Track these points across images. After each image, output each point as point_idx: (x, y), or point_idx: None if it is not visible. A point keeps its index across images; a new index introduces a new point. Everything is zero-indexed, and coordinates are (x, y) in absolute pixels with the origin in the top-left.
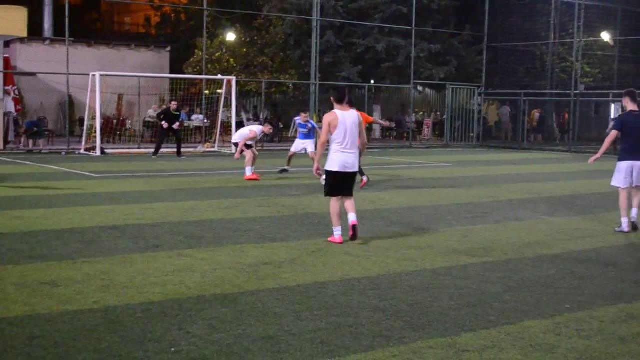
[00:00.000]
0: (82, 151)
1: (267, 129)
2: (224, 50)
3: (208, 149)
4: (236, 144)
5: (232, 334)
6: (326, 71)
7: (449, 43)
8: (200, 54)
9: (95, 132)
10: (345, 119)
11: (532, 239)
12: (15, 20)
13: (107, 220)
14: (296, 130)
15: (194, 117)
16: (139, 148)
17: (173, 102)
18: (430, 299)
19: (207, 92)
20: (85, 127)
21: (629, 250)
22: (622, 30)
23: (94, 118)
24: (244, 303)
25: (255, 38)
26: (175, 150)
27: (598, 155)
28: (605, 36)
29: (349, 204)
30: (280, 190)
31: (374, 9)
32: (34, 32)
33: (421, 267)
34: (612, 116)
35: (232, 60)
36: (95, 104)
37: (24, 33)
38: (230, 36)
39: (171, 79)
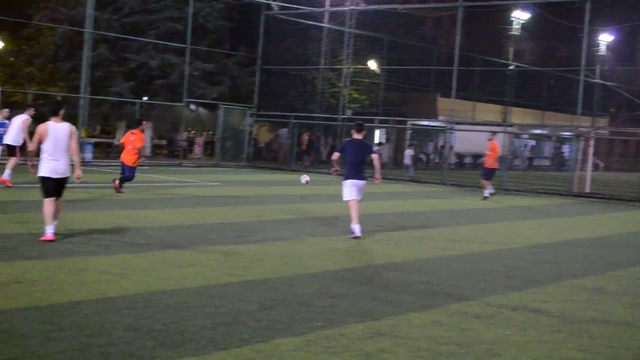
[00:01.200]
0: None
1: (30, 112)
2: None
3: None
4: (12, 146)
5: None
6: (97, 85)
7: (223, 63)
8: None
9: None
10: (56, 130)
11: (292, 259)
12: None
13: None
14: None
15: None
16: None
17: None
18: (186, 317)
19: None
20: None
21: (381, 270)
22: (388, 59)
23: None
24: None
25: (24, 47)
26: None
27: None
28: (372, 64)
29: (59, 206)
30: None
31: (149, 25)
32: None
33: (180, 286)
34: (376, 141)
35: None
36: None
37: None
38: None
39: None
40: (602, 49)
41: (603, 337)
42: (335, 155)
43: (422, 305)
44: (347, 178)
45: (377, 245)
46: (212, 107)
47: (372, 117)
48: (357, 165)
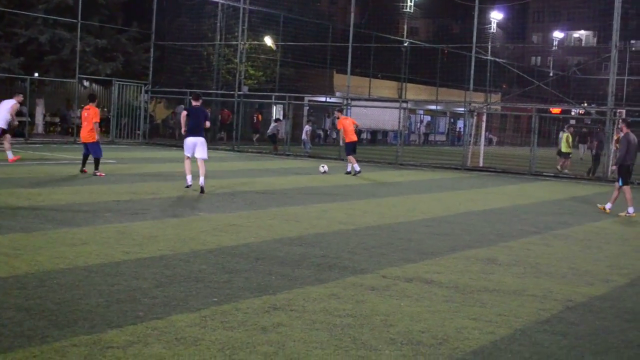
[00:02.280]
0: None
1: (19, 98)
2: None
3: None
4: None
5: None
6: None
7: (116, 39)
8: None
9: None
10: None
11: (188, 235)
12: None
13: None
14: None
15: None
16: None
17: None
18: (79, 296)
19: None
20: None
21: (278, 245)
22: (284, 36)
23: None
24: None
25: None
26: None
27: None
28: (268, 40)
29: None
30: None
31: None
32: None
33: (73, 264)
34: (274, 117)
35: None
36: None
37: None
38: None
39: None
40: (493, 27)
41: (494, 305)
42: (184, 115)
43: (318, 278)
44: (187, 136)
45: (274, 220)
46: (106, 84)
47: (269, 94)
48: (196, 126)
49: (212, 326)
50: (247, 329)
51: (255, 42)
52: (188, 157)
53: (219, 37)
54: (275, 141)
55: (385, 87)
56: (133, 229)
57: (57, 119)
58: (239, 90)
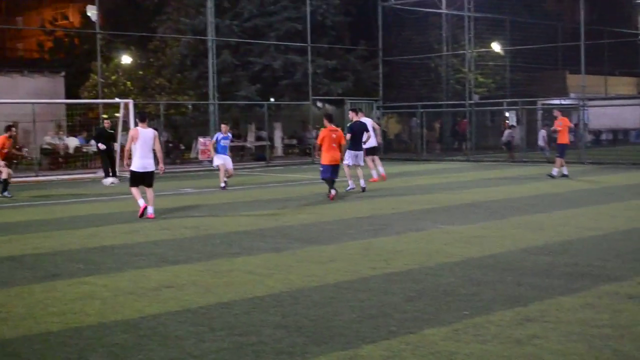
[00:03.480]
0: None
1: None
2: (120, 74)
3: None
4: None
5: None
6: (224, 91)
7: (345, 58)
8: (96, 77)
9: None
10: (144, 134)
11: (431, 248)
12: None
13: (2, 251)
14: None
15: (92, 142)
16: (36, 176)
17: (106, 121)
18: (332, 313)
19: (104, 116)
20: None
21: (524, 254)
22: (512, 40)
23: None
24: (146, 328)
25: (151, 60)
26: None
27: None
28: (496, 46)
29: (150, 194)
30: (183, 212)
31: (268, 27)
32: None
33: (323, 281)
34: (508, 123)
35: (128, 83)
36: None
37: None
38: (126, 59)
39: (66, 104)
40: None
41: None
42: (349, 136)
43: (570, 288)
44: (349, 149)
45: (518, 229)
46: (338, 103)
47: (500, 100)
48: (357, 139)
49: (465, 340)
50: (502, 341)
51: (483, 49)
52: (355, 166)
53: (445, 47)
54: (511, 148)
55: (622, 84)
56: (377, 244)
57: (294, 141)
58: (470, 100)
